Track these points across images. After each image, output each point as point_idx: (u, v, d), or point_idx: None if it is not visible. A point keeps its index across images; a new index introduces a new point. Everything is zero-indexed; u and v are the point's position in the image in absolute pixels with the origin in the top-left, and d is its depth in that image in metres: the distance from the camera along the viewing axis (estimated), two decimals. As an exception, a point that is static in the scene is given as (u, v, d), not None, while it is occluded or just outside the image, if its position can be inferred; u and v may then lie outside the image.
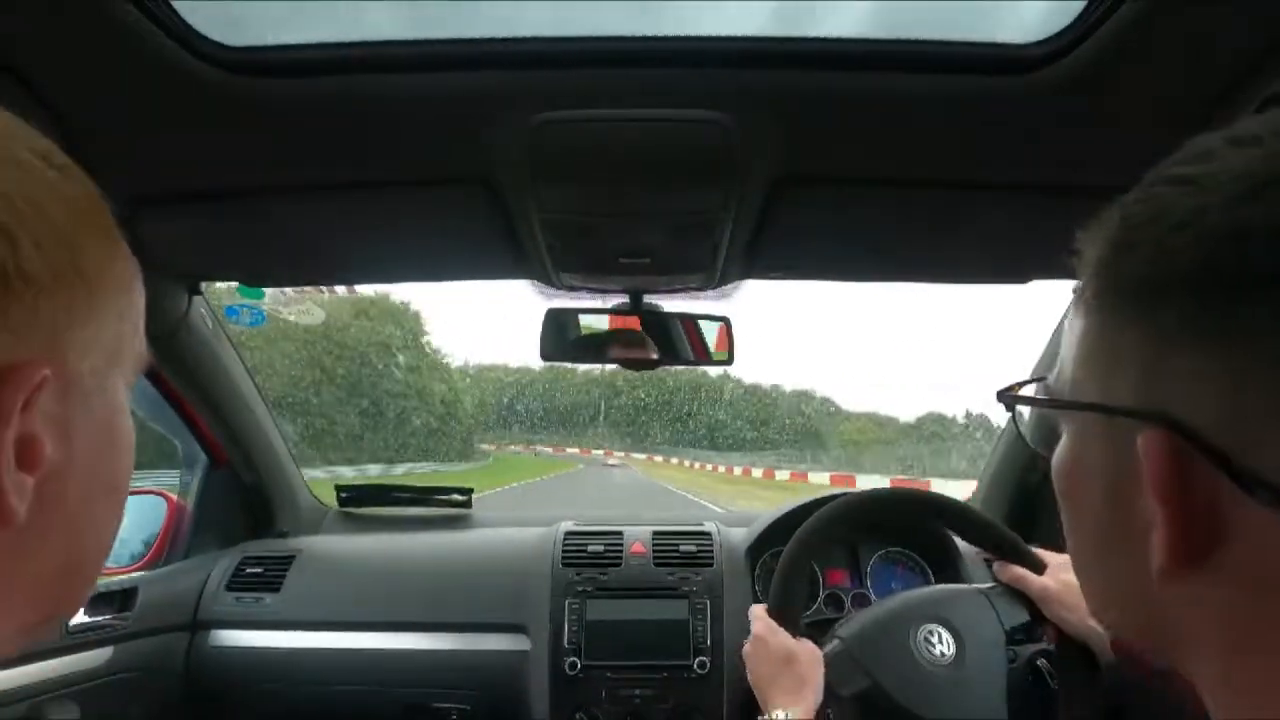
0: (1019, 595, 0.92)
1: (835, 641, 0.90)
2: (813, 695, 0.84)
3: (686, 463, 41.39)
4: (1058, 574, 0.91)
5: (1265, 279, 0.25)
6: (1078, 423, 0.34)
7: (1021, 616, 0.91)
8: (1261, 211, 0.25)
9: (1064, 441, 0.36)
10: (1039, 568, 0.93)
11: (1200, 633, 0.28)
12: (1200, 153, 0.29)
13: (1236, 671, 0.27)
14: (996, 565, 0.97)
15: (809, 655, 0.88)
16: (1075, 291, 0.33)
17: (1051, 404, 0.36)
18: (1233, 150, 0.27)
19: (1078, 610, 0.86)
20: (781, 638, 0.89)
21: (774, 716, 0.82)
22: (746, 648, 0.92)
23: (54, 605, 0.32)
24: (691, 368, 1.28)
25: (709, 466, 36.04)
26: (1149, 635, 0.32)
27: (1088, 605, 0.36)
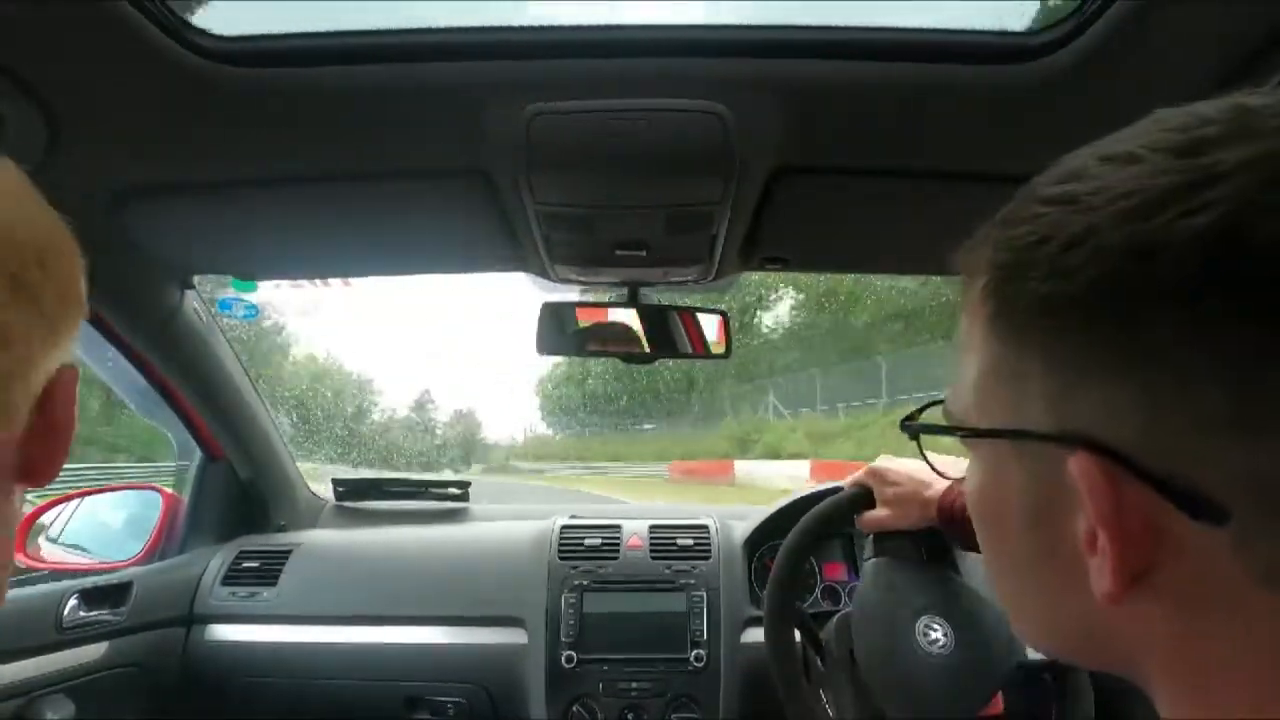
0: (901, 536, 0.92)
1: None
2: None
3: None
4: (882, 493, 0.90)
5: (1168, 295, 0.24)
6: (990, 448, 0.33)
7: (912, 545, 0.92)
8: (1158, 228, 0.25)
9: (975, 467, 0.34)
10: (869, 499, 0.92)
11: (1147, 650, 0.28)
12: (1072, 171, 0.29)
13: (1188, 686, 0.27)
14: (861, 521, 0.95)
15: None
16: (965, 312, 0.33)
17: (961, 432, 0.34)
18: (1109, 168, 0.27)
19: (907, 519, 0.88)
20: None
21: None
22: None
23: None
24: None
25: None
26: (1097, 657, 0.31)
27: (1024, 633, 0.35)
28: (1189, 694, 0.27)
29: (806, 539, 0.95)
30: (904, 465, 0.90)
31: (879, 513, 0.91)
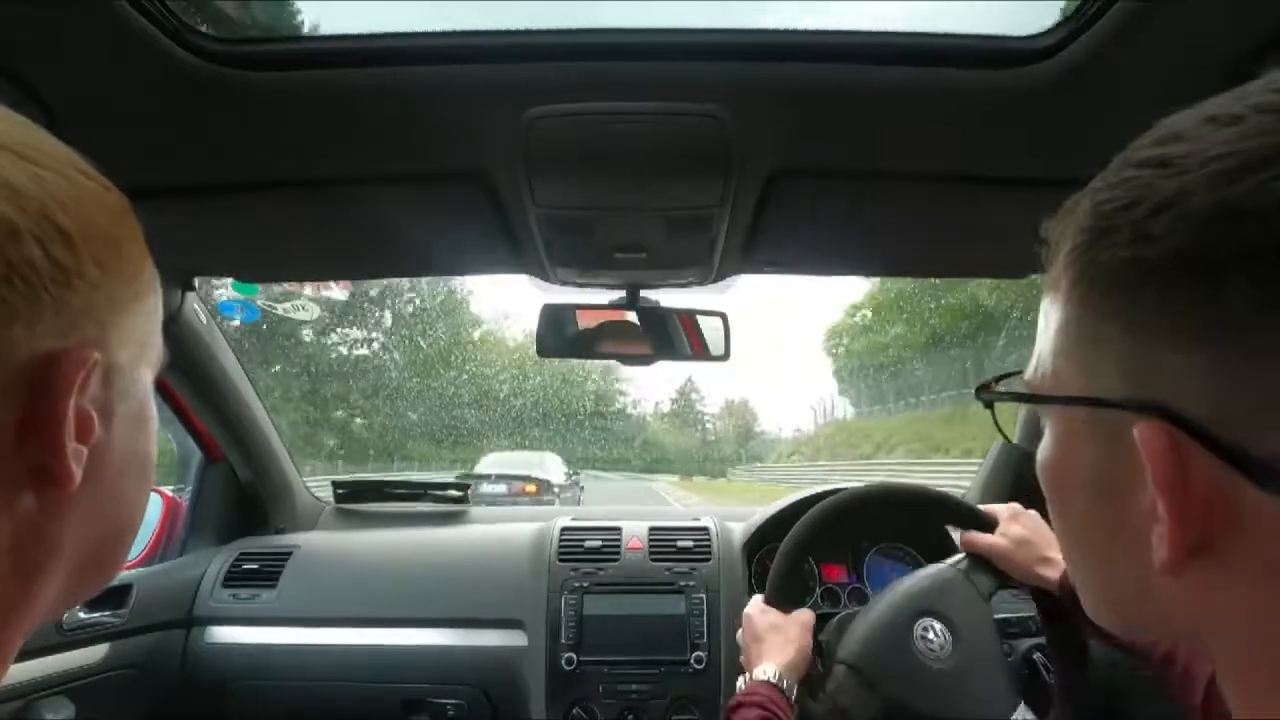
0: (985, 561, 0.92)
1: (840, 668, 0.87)
2: (798, 655, 0.86)
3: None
4: (1008, 528, 0.91)
5: (1252, 263, 0.24)
6: (1063, 417, 0.32)
7: (992, 583, 0.91)
8: (1248, 191, 0.24)
9: (1048, 437, 0.34)
10: (990, 525, 0.93)
11: (1209, 622, 0.28)
12: (1173, 133, 0.28)
13: (1250, 661, 0.27)
14: (959, 537, 0.96)
15: (797, 623, 0.90)
16: (1048, 282, 0.32)
17: (1036, 399, 0.33)
18: (1210, 129, 0.26)
19: (1026, 562, 0.87)
20: (771, 615, 0.91)
21: (753, 674, 0.84)
22: (739, 633, 0.94)
23: (93, 573, 0.35)
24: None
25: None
26: (1155, 630, 0.32)
27: (1086, 605, 0.35)
28: (1250, 669, 0.27)
29: (861, 505, 0.97)
30: (1048, 528, 0.90)
31: (997, 539, 0.91)
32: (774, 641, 0.88)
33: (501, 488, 10.09)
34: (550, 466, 11.91)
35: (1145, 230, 0.26)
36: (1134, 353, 0.27)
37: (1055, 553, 0.86)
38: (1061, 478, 0.33)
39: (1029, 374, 0.34)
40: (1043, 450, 0.35)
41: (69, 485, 0.30)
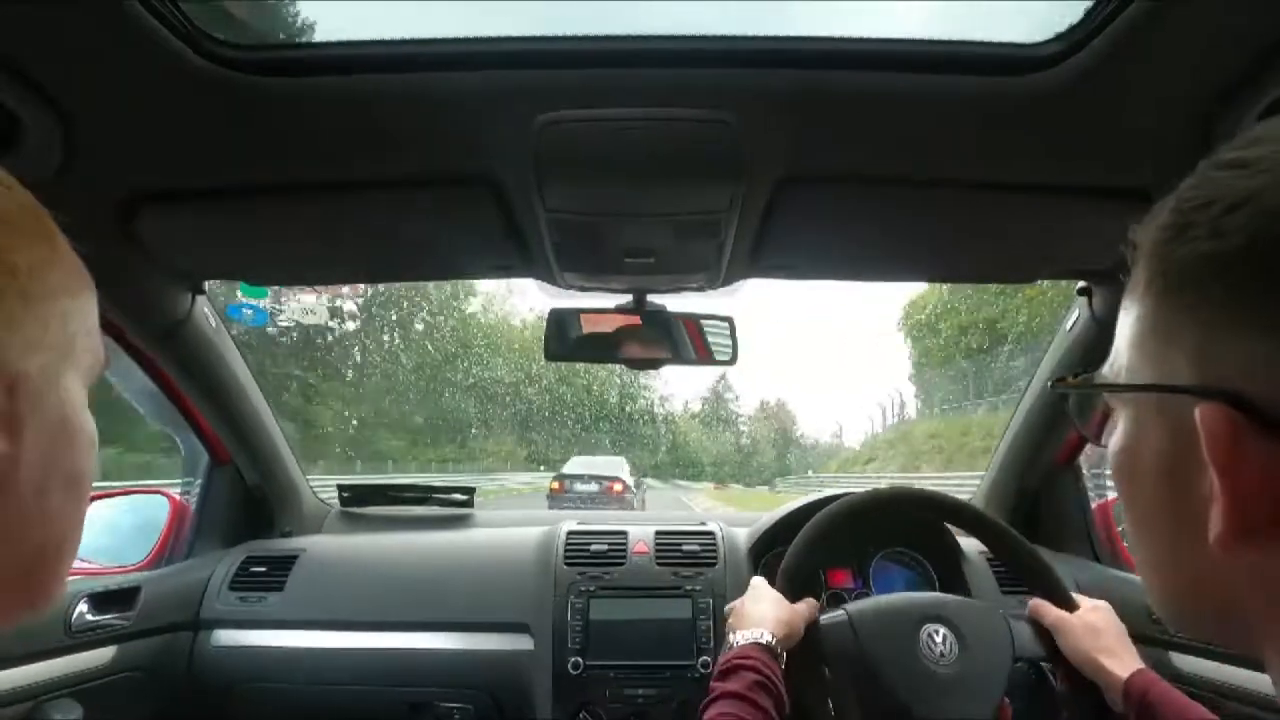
0: (1040, 628, 0.90)
1: (840, 612, 0.89)
2: (792, 631, 0.84)
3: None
4: (1085, 613, 0.88)
5: None
6: (1134, 406, 0.34)
7: (1035, 649, 0.89)
8: None
9: (1120, 427, 0.36)
10: (1069, 606, 0.90)
11: (1265, 608, 0.29)
12: (1256, 136, 0.29)
13: None
14: (1032, 602, 0.93)
15: (798, 610, 0.87)
16: (1130, 281, 0.34)
17: (1107, 388, 0.36)
18: None
19: (1092, 650, 0.84)
20: (776, 594, 0.89)
21: (746, 634, 0.82)
22: (737, 601, 0.92)
23: (19, 593, 0.33)
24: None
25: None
26: (1213, 620, 0.32)
27: (1150, 598, 0.36)
28: None
29: (918, 507, 0.97)
30: (1128, 639, 0.87)
31: (1067, 615, 0.88)
32: (772, 612, 0.86)
33: (594, 486, 11.25)
34: (623, 469, 13.08)
35: (1220, 227, 0.28)
36: (1204, 345, 0.29)
37: (1126, 654, 0.83)
38: (1131, 465, 0.34)
39: (1105, 367, 0.36)
40: (1114, 440, 0.36)
41: None
